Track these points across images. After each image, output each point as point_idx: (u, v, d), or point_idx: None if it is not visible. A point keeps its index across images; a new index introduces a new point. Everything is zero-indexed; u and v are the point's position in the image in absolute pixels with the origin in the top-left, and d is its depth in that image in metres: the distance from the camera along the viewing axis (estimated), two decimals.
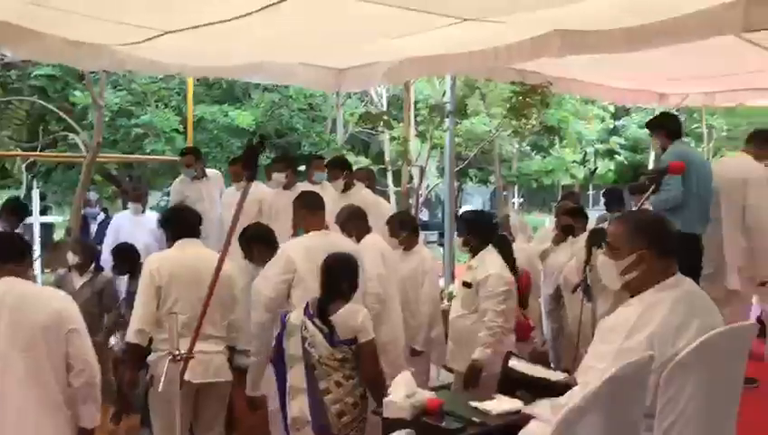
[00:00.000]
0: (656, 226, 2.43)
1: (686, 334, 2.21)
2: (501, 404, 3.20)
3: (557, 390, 2.68)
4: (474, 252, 4.61)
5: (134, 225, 6.94)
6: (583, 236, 6.16)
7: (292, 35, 5.43)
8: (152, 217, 7.07)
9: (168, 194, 9.33)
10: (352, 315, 3.53)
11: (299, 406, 3.57)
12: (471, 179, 19.74)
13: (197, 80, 10.87)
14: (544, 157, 18.30)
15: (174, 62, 6.30)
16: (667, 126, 5.07)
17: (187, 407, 3.62)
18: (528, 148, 17.63)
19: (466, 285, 4.53)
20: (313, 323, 3.51)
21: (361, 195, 5.90)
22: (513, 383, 3.08)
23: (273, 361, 3.81)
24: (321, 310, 3.52)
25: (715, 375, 2.23)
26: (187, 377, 3.09)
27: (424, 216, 15.89)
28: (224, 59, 6.33)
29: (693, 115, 19.16)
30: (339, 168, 6.06)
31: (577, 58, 6.46)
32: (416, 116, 10.57)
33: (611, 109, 19.74)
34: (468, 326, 4.49)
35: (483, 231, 4.66)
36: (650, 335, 2.20)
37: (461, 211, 9.35)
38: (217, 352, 3.87)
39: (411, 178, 9.84)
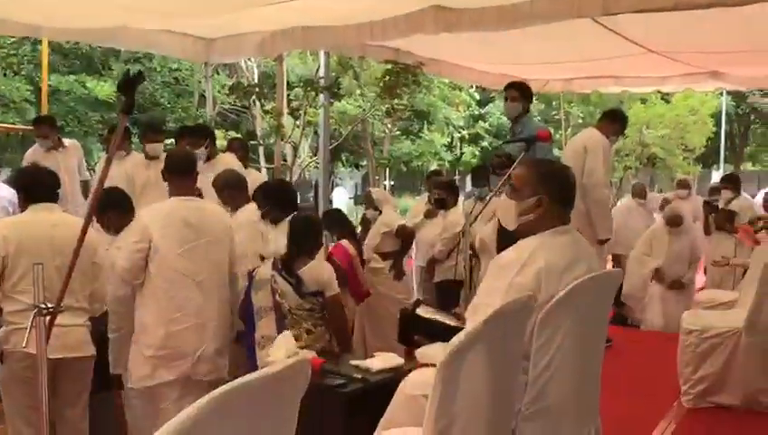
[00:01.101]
0: (558, 175, 2.54)
1: (572, 274, 2.32)
2: (381, 361, 3.22)
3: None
4: (275, 223, 4.29)
5: None
6: (455, 210, 6.38)
7: None
8: (4, 189, 6.48)
9: None
10: (318, 271, 3.82)
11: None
12: (343, 164, 19.82)
13: (52, 48, 10.08)
14: (414, 141, 18.70)
15: (27, 21, 5.80)
16: (526, 95, 5.27)
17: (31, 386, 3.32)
18: (398, 132, 17.92)
19: (263, 259, 4.16)
20: (282, 276, 3.74)
21: (226, 164, 5.58)
22: (413, 329, 3.05)
23: (240, 314, 3.88)
24: (288, 265, 3.77)
25: (587, 315, 2.35)
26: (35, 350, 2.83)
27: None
28: (81, 21, 5.89)
29: (552, 103, 20.27)
30: (200, 135, 5.70)
31: (448, 39, 6.61)
32: (288, 94, 10.41)
33: (477, 96, 20.50)
34: None
35: (284, 202, 4.34)
36: (539, 271, 2.30)
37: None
38: (76, 325, 3.56)
39: (285, 156, 9.70)
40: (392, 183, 21.07)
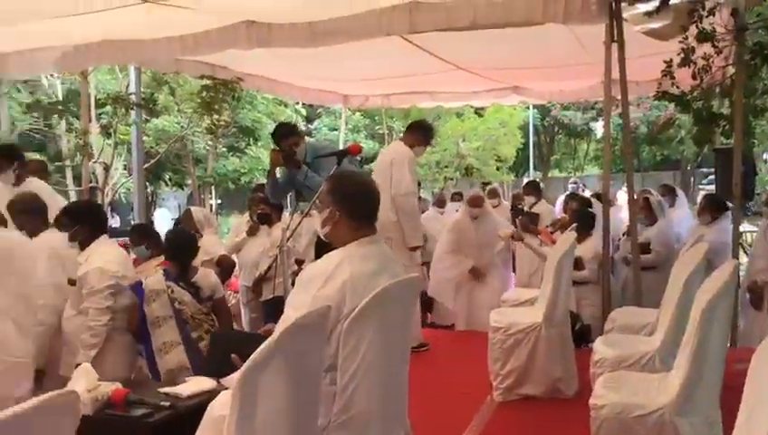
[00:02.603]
0: (347, 190, 2.60)
1: (376, 284, 2.37)
2: (192, 386, 3.11)
3: None
4: (82, 246, 4.15)
5: None
6: (279, 225, 6.32)
7: None
8: None
9: None
10: (208, 277, 4.27)
11: (176, 358, 3.97)
12: (166, 183, 19.06)
13: None
14: (240, 157, 18.41)
15: None
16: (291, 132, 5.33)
17: None
18: (224, 149, 17.55)
19: (71, 282, 4.10)
20: (179, 286, 4.08)
21: (36, 188, 5.23)
22: (226, 349, 2.98)
23: (133, 327, 4.11)
24: (183, 275, 4.15)
25: (391, 322, 2.42)
26: None
27: (115, 222, 14.80)
28: None
29: (375, 118, 20.86)
30: (7, 157, 5.28)
31: (267, 55, 6.58)
32: (98, 111, 9.82)
33: (304, 112, 20.60)
34: (77, 328, 4.05)
35: (89, 222, 4.18)
36: (344, 283, 2.36)
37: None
38: None
39: (95, 177, 9.14)
40: (219, 201, 20.58)
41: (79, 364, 3.49)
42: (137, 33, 6.10)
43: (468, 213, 6.73)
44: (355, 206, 2.56)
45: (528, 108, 22.60)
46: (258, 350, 1.88)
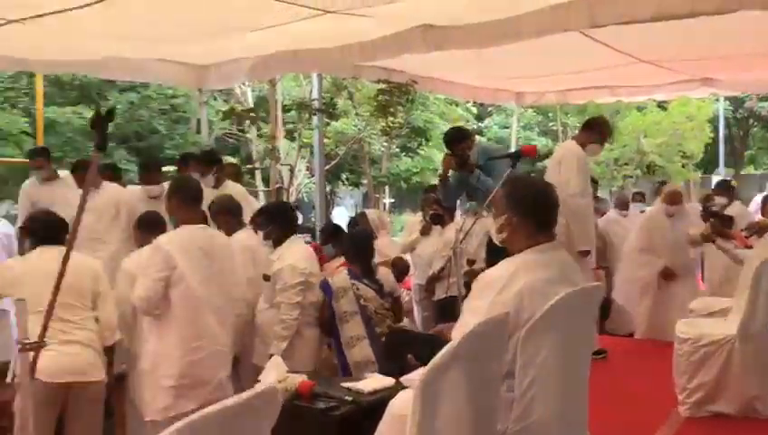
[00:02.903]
0: (524, 196, 2.54)
1: (554, 292, 2.32)
2: (373, 382, 3.23)
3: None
4: (276, 244, 4.49)
5: None
6: (451, 227, 6.37)
7: (144, 27, 5.21)
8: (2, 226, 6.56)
9: None
10: (387, 276, 4.67)
11: (362, 351, 4.21)
12: (343, 183, 19.88)
13: (48, 80, 10.18)
14: (413, 157, 18.76)
15: (15, 55, 5.88)
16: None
17: (49, 413, 3.36)
18: (397, 149, 17.99)
19: (266, 278, 4.41)
20: (364, 283, 4.37)
21: (232, 190, 5.72)
22: (402, 348, 3.09)
23: (321, 322, 4.39)
24: (368, 273, 4.47)
25: (570, 331, 2.36)
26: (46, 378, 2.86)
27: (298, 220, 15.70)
28: (70, 53, 5.97)
29: (548, 114, 20.34)
30: (208, 163, 5.83)
31: (440, 57, 6.66)
32: (284, 116, 10.49)
33: (474, 111, 20.59)
34: (270, 321, 4.35)
35: (281, 222, 4.54)
36: (520, 291, 2.32)
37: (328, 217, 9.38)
38: (86, 348, 3.56)
39: (281, 178, 9.75)
40: (392, 200, 21.10)
41: (272, 355, 3.77)
42: (319, 41, 6.43)
43: (664, 210, 6.42)
44: (532, 212, 2.50)
45: (717, 100, 20.85)
46: (438, 354, 1.92)
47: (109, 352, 3.75)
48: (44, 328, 2.39)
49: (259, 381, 3.19)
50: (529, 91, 10.17)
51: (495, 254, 2.61)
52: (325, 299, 4.37)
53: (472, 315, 2.35)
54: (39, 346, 2.26)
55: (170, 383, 3.46)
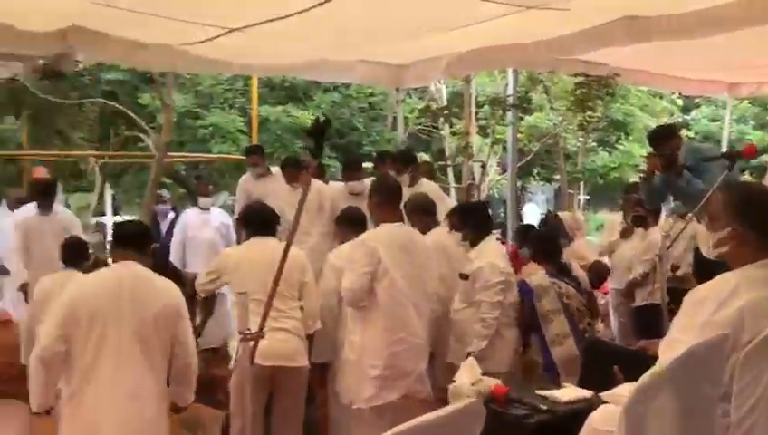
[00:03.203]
0: (755, 205, 2.26)
1: None
2: (569, 392, 3.14)
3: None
4: (472, 244, 4.56)
5: (201, 221, 7.11)
6: (654, 230, 6.00)
7: (350, 32, 5.46)
8: (218, 214, 7.25)
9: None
10: (581, 272, 4.84)
11: (567, 350, 4.27)
12: (534, 178, 19.46)
13: (261, 82, 11.06)
14: (610, 152, 17.89)
15: (237, 61, 6.43)
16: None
17: (261, 392, 3.67)
18: (594, 143, 17.24)
19: (463, 277, 4.44)
20: (564, 281, 4.43)
21: (427, 188, 5.86)
22: (603, 360, 2.99)
23: (520, 321, 4.44)
24: (565, 271, 4.58)
25: None
26: (258, 361, 3.13)
27: None
28: (285, 57, 6.43)
29: (767, 106, 18.41)
30: (404, 162, 6.05)
31: (644, 47, 6.28)
32: (477, 112, 10.49)
33: (680, 102, 19.17)
34: (466, 320, 4.39)
35: (478, 222, 4.64)
36: (741, 309, 2.09)
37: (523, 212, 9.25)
38: (293, 335, 3.87)
39: (472, 174, 9.78)
40: (587, 197, 20.26)
41: (469, 353, 3.82)
42: (515, 36, 6.34)
43: None
44: (762, 221, 2.23)
45: None
46: (647, 374, 1.83)
47: (309, 340, 4.02)
48: (264, 318, 2.60)
49: (454, 381, 3.23)
50: (744, 81, 9.28)
51: (706, 267, 2.37)
52: (523, 299, 4.40)
53: (683, 334, 2.17)
54: (259, 336, 2.46)
55: (376, 373, 3.64)
